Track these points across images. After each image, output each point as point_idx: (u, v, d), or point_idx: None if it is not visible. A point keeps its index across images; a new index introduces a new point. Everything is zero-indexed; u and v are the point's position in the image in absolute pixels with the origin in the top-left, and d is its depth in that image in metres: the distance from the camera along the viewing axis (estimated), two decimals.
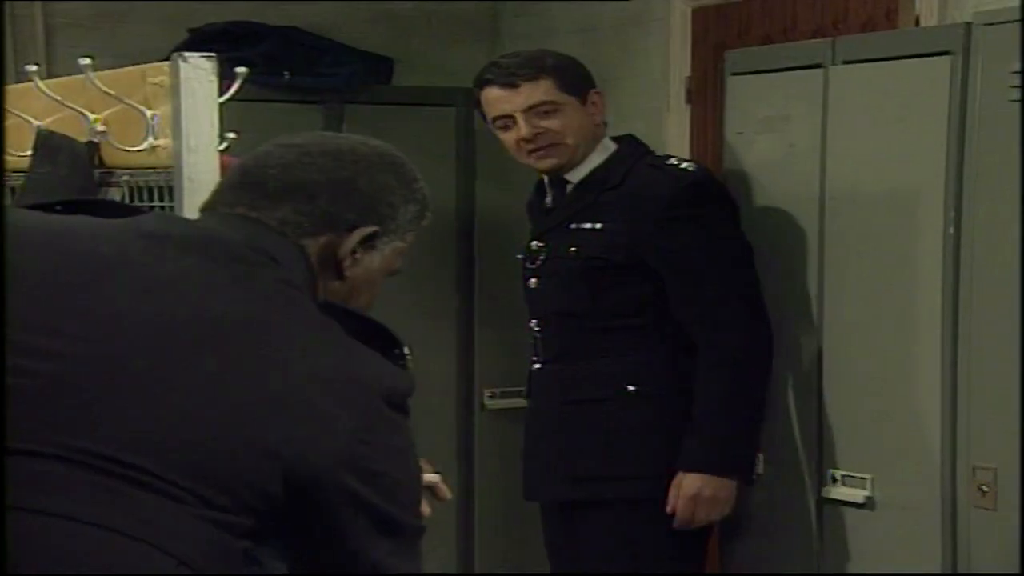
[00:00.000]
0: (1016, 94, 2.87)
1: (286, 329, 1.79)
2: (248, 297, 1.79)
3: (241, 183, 1.91)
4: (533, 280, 3.50)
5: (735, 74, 3.54)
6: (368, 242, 1.92)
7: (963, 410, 2.99)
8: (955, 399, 3.01)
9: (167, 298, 1.77)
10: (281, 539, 1.80)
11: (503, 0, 5.49)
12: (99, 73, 2.74)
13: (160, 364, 1.73)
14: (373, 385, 1.79)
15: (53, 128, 2.86)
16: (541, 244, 3.47)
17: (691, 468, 3.30)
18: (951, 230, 3.02)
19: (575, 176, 3.44)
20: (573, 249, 3.37)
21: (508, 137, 3.44)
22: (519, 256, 3.60)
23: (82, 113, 2.78)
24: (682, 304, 3.31)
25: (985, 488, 2.91)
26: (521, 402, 4.83)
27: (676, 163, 3.41)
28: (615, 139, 3.48)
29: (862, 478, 3.19)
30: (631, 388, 3.35)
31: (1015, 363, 2.86)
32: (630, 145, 3.49)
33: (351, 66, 4.81)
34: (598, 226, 3.36)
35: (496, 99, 3.42)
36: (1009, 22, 2.92)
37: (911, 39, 3.28)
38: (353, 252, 1.90)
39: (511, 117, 3.39)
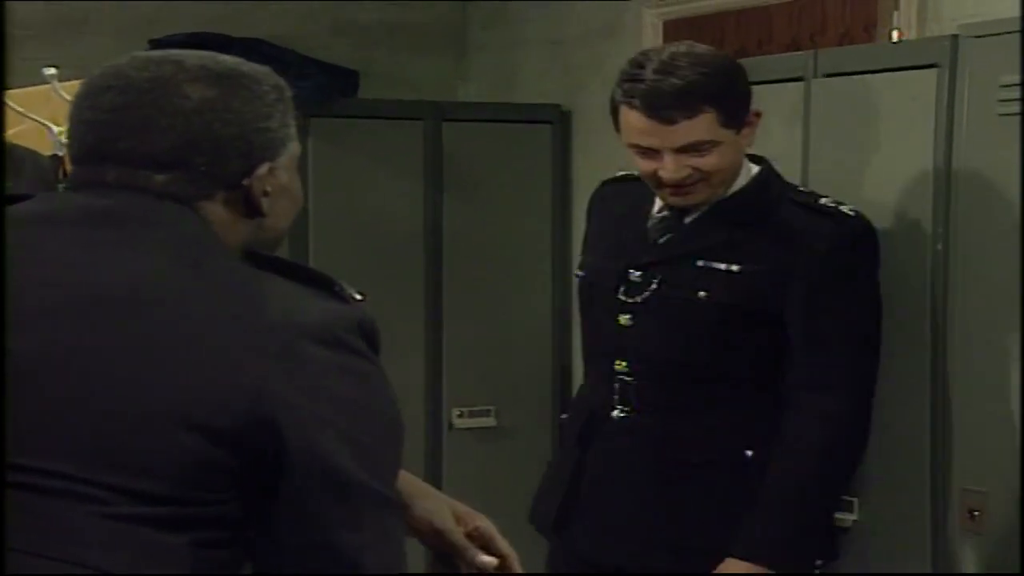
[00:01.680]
0: (1005, 108, 2.81)
1: (178, 287, 1.64)
2: (133, 260, 1.65)
3: (95, 154, 1.73)
4: (626, 316, 2.92)
5: None
6: (270, 172, 1.76)
7: (952, 431, 2.92)
8: (944, 420, 2.94)
9: (49, 280, 1.65)
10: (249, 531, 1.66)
11: (470, 1, 5.42)
12: (63, 84, 2.64)
13: (53, 353, 1.61)
14: (286, 322, 1.62)
15: (15, 140, 2.76)
16: (641, 274, 2.92)
17: (753, 557, 2.82)
18: (939, 246, 2.95)
19: None
20: (703, 293, 2.84)
21: (646, 166, 2.84)
22: (580, 274, 3.07)
23: (46, 125, 2.68)
24: (805, 359, 2.84)
25: (976, 512, 2.84)
26: (490, 421, 4.81)
27: (831, 204, 2.87)
28: (751, 159, 2.95)
29: (848, 501, 3.10)
30: (749, 453, 2.86)
31: (1006, 383, 2.79)
32: (770, 173, 2.95)
33: (316, 78, 4.73)
34: (735, 268, 2.83)
35: (642, 130, 2.79)
36: (997, 35, 2.86)
37: (896, 52, 3.20)
38: (263, 192, 1.76)
39: (656, 151, 2.80)
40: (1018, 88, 2.77)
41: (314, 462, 1.60)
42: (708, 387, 2.88)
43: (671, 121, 2.74)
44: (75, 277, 1.65)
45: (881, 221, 3.06)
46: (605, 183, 3.22)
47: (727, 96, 2.78)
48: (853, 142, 3.15)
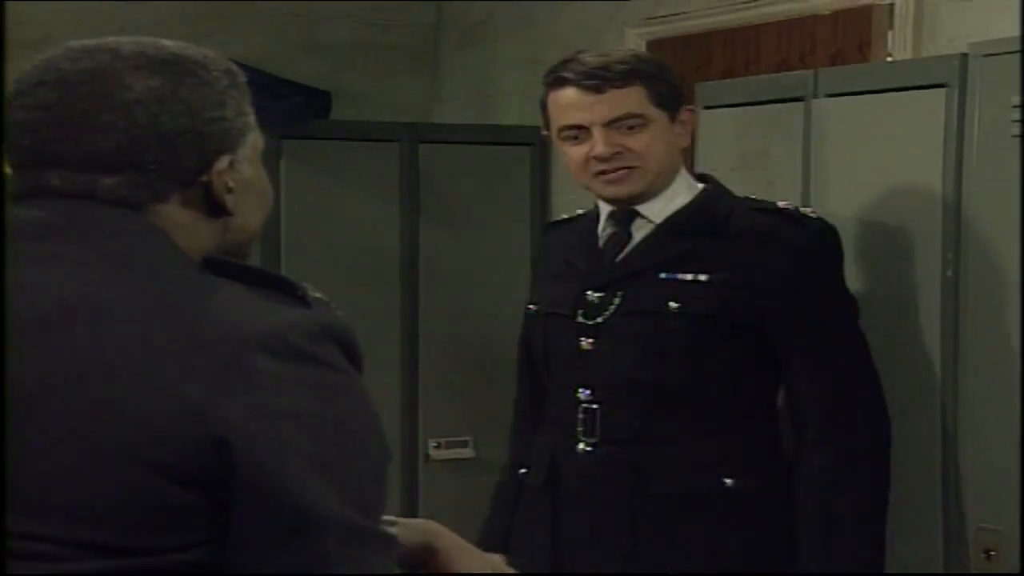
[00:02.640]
0: (1017, 128, 2.70)
1: (123, 307, 1.46)
2: (75, 279, 1.48)
3: (34, 158, 1.55)
4: (588, 340, 2.79)
5: (708, 107, 3.35)
6: (230, 165, 1.60)
7: (965, 467, 2.80)
8: (956, 455, 2.82)
9: None
10: None
11: (446, 2, 5.30)
12: None
13: None
14: (230, 334, 1.44)
15: None
16: (602, 294, 2.81)
17: None
18: (949, 273, 2.83)
19: (656, 213, 2.80)
20: (675, 305, 2.72)
21: (576, 152, 2.77)
22: (533, 308, 2.97)
23: None
24: (804, 374, 2.73)
25: (992, 552, 2.72)
26: (468, 452, 4.69)
27: (791, 207, 2.82)
28: (698, 178, 2.90)
29: None
30: (728, 482, 2.71)
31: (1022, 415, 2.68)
32: (719, 185, 2.89)
33: (288, 99, 4.64)
34: (703, 277, 2.72)
35: (571, 104, 2.75)
36: (1008, 53, 2.75)
37: (902, 71, 3.09)
38: (225, 188, 1.60)
39: (585, 129, 2.75)
40: None
41: (267, 490, 1.42)
42: (680, 410, 2.74)
43: (600, 91, 2.72)
44: (14, 300, 1.48)
45: (888, 247, 2.96)
46: (550, 225, 3.16)
47: (658, 77, 2.77)
48: (857, 165, 3.04)
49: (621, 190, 2.77)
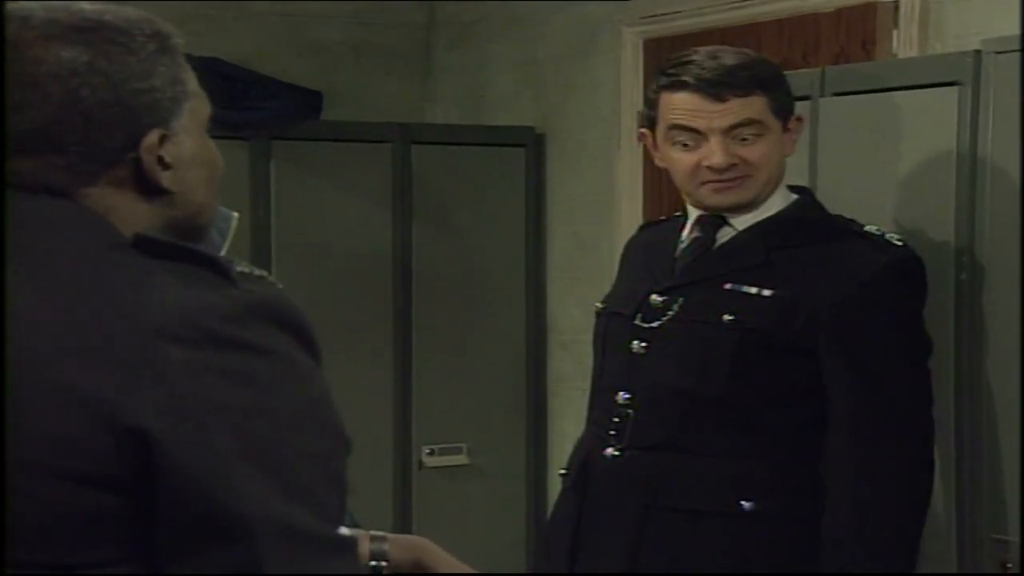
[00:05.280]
0: None
1: (25, 309, 1.34)
2: None
3: None
4: (641, 344, 2.69)
5: None
6: (163, 140, 1.47)
7: (980, 477, 2.72)
8: (972, 464, 2.74)
9: None
10: None
11: (439, 2, 5.22)
12: None
13: None
14: (138, 322, 1.32)
15: None
16: (664, 299, 2.72)
17: None
18: (963, 276, 2.76)
19: (743, 222, 2.69)
20: (729, 317, 2.61)
21: (686, 159, 2.66)
22: (600, 306, 2.86)
23: None
24: (848, 404, 2.59)
25: (1010, 566, 2.63)
26: (462, 459, 4.62)
27: (876, 231, 2.67)
28: (791, 189, 2.77)
29: None
30: (746, 505, 2.59)
31: None
32: (811, 198, 2.78)
33: (278, 100, 4.56)
34: (766, 292, 2.61)
35: (689, 109, 2.62)
36: (1022, 50, 2.68)
37: (912, 69, 3.03)
38: (160, 163, 1.46)
39: (699, 135, 2.64)
40: None
41: (188, 492, 1.30)
42: (712, 425, 2.63)
43: (722, 99, 2.62)
44: None
45: None
46: (642, 226, 3.07)
47: (776, 84, 2.68)
48: (865, 165, 2.97)
49: (728, 199, 2.67)
